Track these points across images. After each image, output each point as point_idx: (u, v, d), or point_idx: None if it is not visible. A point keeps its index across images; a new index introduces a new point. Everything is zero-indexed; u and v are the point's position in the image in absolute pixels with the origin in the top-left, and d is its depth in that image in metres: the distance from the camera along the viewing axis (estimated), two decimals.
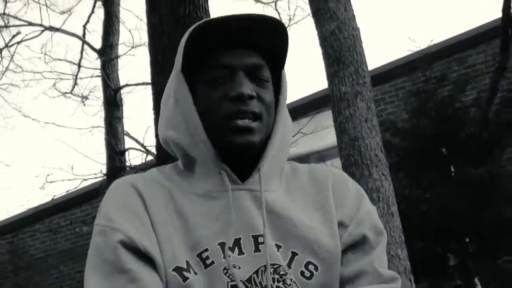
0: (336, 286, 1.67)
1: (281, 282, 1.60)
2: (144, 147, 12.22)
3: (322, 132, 10.28)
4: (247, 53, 1.69)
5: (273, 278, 1.60)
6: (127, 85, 13.08)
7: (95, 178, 12.58)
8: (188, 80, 1.71)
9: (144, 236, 1.61)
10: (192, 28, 1.68)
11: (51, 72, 15.28)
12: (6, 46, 14.12)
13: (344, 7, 6.16)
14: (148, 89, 14.04)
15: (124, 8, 16.62)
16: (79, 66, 14.02)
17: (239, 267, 1.59)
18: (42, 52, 17.09)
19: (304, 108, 10.81)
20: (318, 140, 10.52)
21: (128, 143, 12.55)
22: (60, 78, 14.60)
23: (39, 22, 13.87)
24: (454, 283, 8.22)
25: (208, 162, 1.69)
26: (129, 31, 18.55)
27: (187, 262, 1.59)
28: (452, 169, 8.39)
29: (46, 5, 14.66)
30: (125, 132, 12.52)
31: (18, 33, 14.14)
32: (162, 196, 1.69)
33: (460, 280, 8.15)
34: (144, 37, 13.66)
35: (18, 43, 14.22)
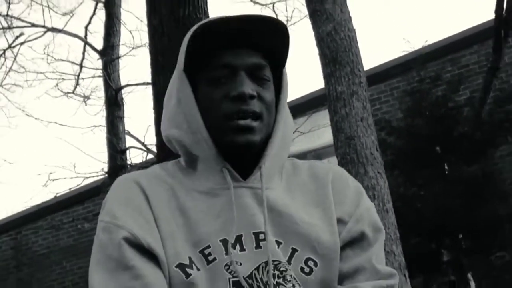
0: (335, 282, 1.67)
1: (281, 278, 1.60)
2: (145, 145, 12.23)
3: (319, 131, 10.28)
4: (249, 53, 1.68)
5: (274, 274, 1.60)
6: (128, 85, 13.09)
7: (97, 176, 12.59)
8: (190, 79, 1.71)
9: (147, 233, 1.61)
10: (194, 27, 1.67)
11: (53, 72, 15.28)
12: (10, 47, 14.13)
13: (340, 9, 6.16)
14: (149, 89, 14.03)
15: (125, 9, 16.58)
16: (81, 66, 14.03)
17: (241, 264, 1.59)
18: (44, 53, 17.04)
19: (301, 108, 10.80)
20: (315, 139, 10.52)
21: (129, 141, 12.56)
22: (63, 78, 14.61)
23: (42, 24, 13.88)
24: (448, 278, 8.22)
25: (210, 160, 1.68)
26: (130, 32, 18.62)
27: (190, 259, 1.59)
28: (446, 167, 8.40)
29: (48, 6, 14.69)
30: (126, 131, 12.52)
31: (21, 34, 14.15)
32: (165, 193, 1.68)
33: (454, 276, 8.15)
34: (145, 38, 13.66)
35: (21, 44, 14.23)
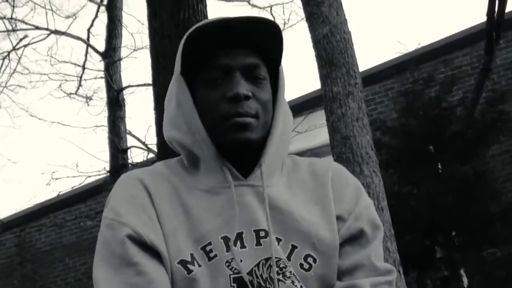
0: (334, 278, 1.67)
1: (281, 275, 1.60)
2: (146, 145, 12.21)
3: (316, 130, 10.28)
4: (244, 53, 1.68)
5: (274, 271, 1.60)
6: (129, 86, 13.08)
7: (99, 175, 12.59)
8: (189, 81, 1.71)
9: (150, 230, 1.61)
10: (190, 30, 1.67)
11: (56, 73, 15.30)
12: (14, 49, 14.11)
13: (336, 12, 6.16)
14: (150, 90, 13.96)
15: (126, 12, 16.62)
16: (84, 68, 14.03)
17: (241, 260, 1.59)
18: (48, 55, 17.11)
19: (298, 108, 10.79)
20: (311, 139, 10.52)
21: (130, 141, 12.55)
22: (65, 80, 14.63)
23: (45, 26, 13.85)
24: (441, 274, 8.23)
25: (210, 160, 1.68)
26: (131, 34, 18.49)
27: (192, 255, 1.59)
28: (439, 166, 8.41)
29: (52, 10, 14.73)
30: (127, 131, 12.51)
31: (25, 36, 14.14)
32: (167, 191, 1.68)
33: (447, 272, 8.16)
34: (146, 40, 13.66)
35: (25, 46, 14.21)
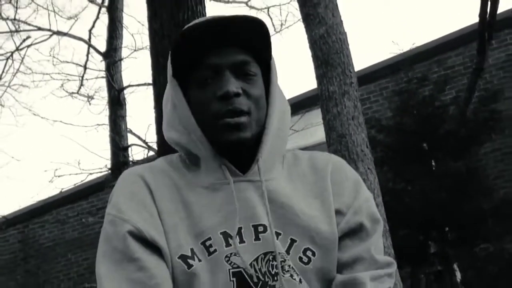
0: (334, 271, 1.67)
1: (280, 269, 1.60)
2: (146, 143, 12.22)
3: (312, 129, 10.28)
4: (233, 51, 1.66)
5: (272, 265, 1.60)
6: (130, 85, 13.09)
7: (100, 172, 12.60)
8: (183, 82, 1.70)
9: (151, 226, 1.61)
10: (178, 34, 1.66)
11: (59, 73, 15.38)
12: (17, 49, 14.11)
13: (332, 13, 6.16)
14: (150, 89, 14.01)
15: (127, 14, 16.61)
16: (85, 68, 14.03)
17: (238, 255, 1.58)
18: (50, 55, 17.08)
19: (295, 107, 10.76)
20: (308, 137, 10.52)
21: (131, 139, 12.57)
22: (67, 79, 14.64)
23: (48, 27, 13.86)
24: (435, 269, 8.23)
25: (208, 158, 1.68)
26: (132, 35, 18.62)
27: (192, 250, 1.59)
28: (433, 163, 8.41)
29: (54, 11, 14.76)
30: (128, 129, 12.52)
31: (28, 37, 14.14)
32: (168, 187, 1.68)
33: (440, 266, 8.16)
34: (146, 41, 13.66)
35: (28, 46, 14.21)
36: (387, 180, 8.08)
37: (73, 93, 14.21)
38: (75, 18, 14.46)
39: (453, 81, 10.20)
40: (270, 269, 1.60)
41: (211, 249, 1.60)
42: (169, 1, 4.65)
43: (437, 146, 8.33)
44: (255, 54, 1.70)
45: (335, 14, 6.18)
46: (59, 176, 12.83)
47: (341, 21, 6.21)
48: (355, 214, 1.71)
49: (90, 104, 14.37)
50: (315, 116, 8.77)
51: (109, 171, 12.14)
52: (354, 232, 1.71)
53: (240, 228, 1.62)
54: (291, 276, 1.60)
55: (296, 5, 7.33)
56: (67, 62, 14.94)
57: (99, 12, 13.87)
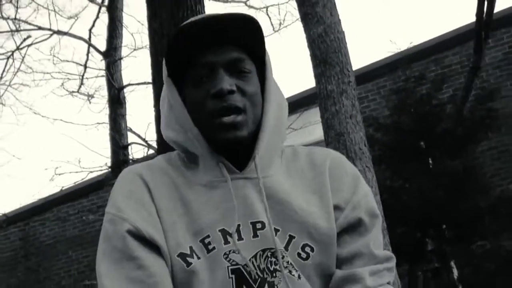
0: (333, 266, 1.66)
1: (278, 265, 1.60)
2: (146, 141, 12.21)
3: (310, 127, 10.28)
4: (226, 49, 1.65)
5: (271, 261, 1.60)
6: (129, 84, 13.09)
7: (101, 170, 12.61)
8: (179, 81, 1.70)
9: (150, 225, 1.61)
10: (172, 34, 1.66)
11: (59, 72, 15.33)
12: (18, 48, 14.11)
13: (330, 12, 6.15)
14: (149, 88, 14.02)
15: (127, 13, 16.60)
16: (85, 67, 14.02)
17: (238, 252, 1.58)
18: (51, 54, 17.07)
19: (294, 105, 10.80)
20: (306, 135, 10.52)
21: (130, 138, 12.56)
22: (68, 78, 14.65)
23: (48, 27, 13.85)
24: (432, 266, 8.24)
25: (206, 156, 1.67)
26: (132, 34, 18.57)
27: (191, 248, 1.59)
28: (430, 162, 8.41)
29: (54, 10, 14.77)
30: (128, 128, 12.52)
31: (29, 36, 14.13)
32: (167, 185, 1.68)
33: (438, 264, 8.17)
34: (146, 40, 13.66)
35: (29, 46, 14.21)
36: (384, 178, 8.08)
37: (73, 92, 14.22)
38: (75, 18, 14.46)
39: (450, 80, 10.20)
40: (269, 265, 1.60)
41: (210, 247, 1.59)
42: (169, 0, 4.65)
43: (434, 144, 8.33)
44: (250, 51, 1.69)
45: (333, 13, 6.18)
46: (59, 174, 12.88)
47: (339, 20, 6.21)
48: (354, 210, 1.70)
49: (90, 102, 14.35)
50: (314, 114, 8.77)
51: (109, 169, 12.15)
52: (353, 228, 1.70)
53: (238, 226, 1.61)
54: (290, 272, 1.60)
55: (294, 4, 7.33)
56: (68, 61, 14.97)
57: (99, 12, 13.87)
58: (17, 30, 14.07)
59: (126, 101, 12.83)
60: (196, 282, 1.57)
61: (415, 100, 8.56)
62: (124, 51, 13.43)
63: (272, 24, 13.97)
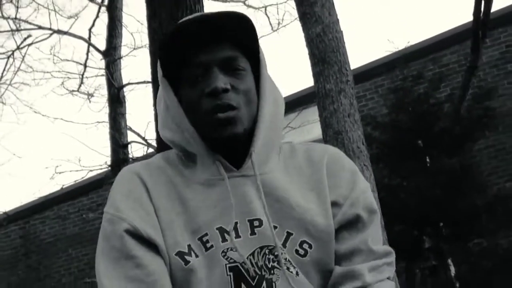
0: (331, 262, 1.66)
1: (276, 262, 1.60)
2: (146, 140, 12.20)
3: (309, 126, 10.28)
4: (220, 48, 1.65)
5: (269, 259, 1.60)
6: (129, 83, 13.06)
7: (101, 169, 12.57)
8: (174, 81, 1.70)
9: (148, 224, 1.61)
10: (165, 34, 1.66)
11: (59, 71, 15.30)
12: (18, 48, 14.08)
13: (328, 12, 6.16)
14: (149, 87, 14.03)
15: (126, 13, 16.58)
16: (85, 66, 14.00)
17: (236, 249, 1.59)
18: (51, 54, 17.04)
19: (292, 104, 10.80)
20: (305, 134, 10.52)
21: (130, 136, 12.53)
22: (68, 77, 14.65)
23: (48, 26, 13.82)
24: (429, 264, 8.24)
25: (203, 154, 1.67)
26: (131, 34, 18.54)
27: (189, 246, 1.59)
28: (428, 160, 8.41)
29: (54, 10, 14.76)
30: (127, 126, 12.49)
31: (29, 36, 14.10)
32: (165, 184, 1.68)
33: (435, 261, 8.17)
34: (145, 40, 13.65)
35: (29, 45, 14.17)
36: (382, 177, 8.08)
37: (73, 91, 14.19)
38: (75, 17, 14.45)
39: (448, 79, 10.21)
40: (267, 262, 1.60)
41: (208, 245, 1.60)
42: (168, 0, 4.65)
43: (432, 143, 8.33)
44: (244, 49, 1.69)
45: (332, 13, 6.18)
46: (60, 173, 12.83)
47: (338, 19, 6.21)
48: (352, 206, 1.70)
49: (90, 101, 14.33)
50: (312, 113, 8.77)
51: (109, 168, 12.13)
52: (351, 224, 1.70)
53: (236, 223, 1.61)
54: (288, 269, 1.60)
55: (293, 4, 7.32)
56: (68, 60, 14.97)
57: (98, 11, 13.84)
58: (18, 30, 14.05)
59: (126, 100, 12.80)
60: (194, 280, 1.57)
61: (413, 99, 8.56)
62: (123, 51, 13.40)
63: (270, 24, 13.97)
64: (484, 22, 8.41)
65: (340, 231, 1.68)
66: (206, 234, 1.60)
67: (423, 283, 8.28)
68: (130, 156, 12.24)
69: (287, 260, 1.61)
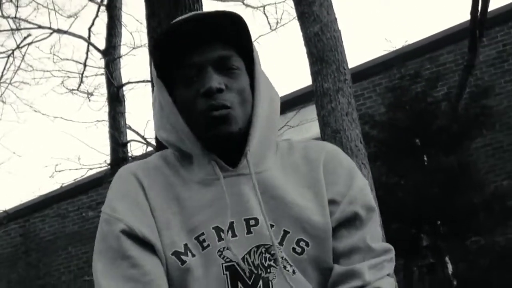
0: (329, 260, 1.66)
1: (273, 261, 1.59)
2: (145, 139, 12.19)
3: (307, 124, 10.27)
4: (214, 47, 1.65)
5: (265, 257, 1.60)
6: (128, 82, 13.04)
7: (100, 167, 12.57)
8: (169, 82, 1.69)
9: (144, 224, 1.61)
10: (157, 36, 1.66)
11: (59, 71, 15.24)
12: (18, 47, 14.06)
13: (326, 11, 6.16)
14: (148, 86, 13.98)
15: (125, 12, 16.58)
16: (85, 65, 13.98)
17: (229, 249, 1.58)
18: (51, 53, 17.05)
19: (291, 103, 10.80)
20: (303, 132, 10.51)
21: (130, 135, 12.51)
22: (68, 76, 14.58)
23: (48, 25, 13.81)
24: (427, 261, 8.25)
25: (198, 154, 1.67)
26: (131, 33, 18.57)
27: (185, 246, 1.59)
28: (425, 158, 8.41)
29: (54, 9, 14.73)
30: (127, 125, 12.48)
31: (29, 35, 14.08)
32: (161, 184, 1.67)
33: (432, 259, 8.18)
34: (144, 39, 13.62)
35: (29, 44, 14.15)
36: (380, 175, 8.08)
37: (73, 90, 14.16)
38: (75, 17, 14.41)
39: (445, 77, 10.21)
40: (263, 261, 1.59)
41: (205, 244, 1.59)
42: (167, 0, 4.64)
43: (430, 141, 8.34)
44: (238, 48, 1.68)
45: (330, 12, 6.18)
46: (59, 171, 12.80)
47: (336, 19, 6.22)
48: (350, 204, 1.69)
49: (89, 100, 14.31)
50: (310, 112, 8.77)
51: (109, 167, 12.12)
52: (349, 222, 1.68)
53: (232, 223, 1.61)
54: (284, 267, 1.59)
55: (291, 3, 7.32)
56: (67, 59, 14.91)
57: (98, 11, 13.82)
58: (18, 29, 14.04)
59: (125, 99, 12.78)
60: (191, 279, 1.57)
61: (411, 98, 8.57)
62: (123, 50, 13.38)
63: (269, 23, 13.88)
64: (481, 21, 8.42)
65: (338, 229, 1.67)
66: (203, 234, 1.60)
67: (420, 281, 8.28)
68: (130, 154, 12.23)
69: (284, 258, 1.60)
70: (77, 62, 14.35)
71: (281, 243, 1.61)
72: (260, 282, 1.59)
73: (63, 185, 13.13)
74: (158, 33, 4.43)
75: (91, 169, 12.54)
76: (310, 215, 1.64)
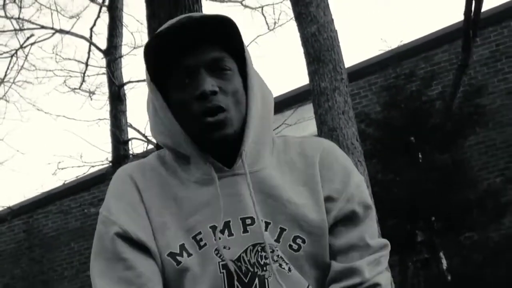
0: (326, 256, 1.65)
1: (268, 259, 1.58)
2: (146, 137, 12.19)
3: (304, 123, 10.27)
4: (206, 50, 1.63)
5: (261, 256, 1.59)
6: (130, 81, 13.03)
7: (102, 165, 12.57)
8: (163, 85, 1.67)
9: (139, 227, 1.61)
10: (148, 41, 1.64)
11: (61, 70, 15.30)
12: (21, 47, 14.05)
13: (323, 12, 6.15)
14: None
15: (127, 13, 16.54)
16: (87, 65, 13.96)
17: (229, 248, 1.58)
18: (53, 52, 16.92)
19: (288, 102, 10.80)
20: (300, 131, 10.51)
21: (131, 133, 12.51)
22: (70, 76, 14.57)
23: (51, 26, 13.79)
24: (422, 257, 8.25)
25: (194, 156, 1.65)
26: (132, 33, 18.48)
27: (181, 246, 1.59)
28: (420, 156, 8.42)
29: (57, 10, 14.64)
30: (128, 123, 12.47)
31: (32, 35, 14.06)
32: (158, 185, 1.67)
33: (427, 254, 8.18)
34: (145, 39, 13.59)
35: (32, 44, 14.13)
36: (376, 172, 8.09)
37: (75, 89, 14.15)
38: (77, 17, 14.39)
39: (439, 77, 10.21)
40: (259, 259, 1.59)
41: (202, 243, 1.59)
42: (167, 1, 4.64)
43: (424, 139, 8.35)
44: (229, 50, 1.67)
45: (326, 12, 6.17)
46: (62, 169, 12.84)
47: (332, 19, 6.21)
48: (348, 202, 1.67)
49: (91, 99, 14.29)
50: (307, 110, 8.76)
51: (110, 164, 12.12)
52: (347, 219, 1.67)
53: (228, 222, 1.60)
54: (280, 265, 1.59)
55: (288, 4, 7.31)
56: (69, 59, 14.88)
57: (100, 11, 13.80)
58: (21, 29, 14.03)
59: (126, 98, 12.77)
60: (188, 278, 1.57)
61: (405, 97, 8.58)
62: (124, 50, 13.36)
63: (267, 23, 13.85)
64: (475, 21, 8.41)
65: (335, 226, 1.66)
66: (200, 233, 1.60)
67: (415, 276, 8.29)
68: (131, 152, 12.23)
69: (279, 256, 1.60)
70: (79, 61, 14.36)
71: (277, 241, 1.61)
72: (256, 280, 1.58)
73: (66, 182, 13.13)
74: (151, 36, 4.44)
75: (93, 166, 12.55)
76: (306, 212, 1.63)
